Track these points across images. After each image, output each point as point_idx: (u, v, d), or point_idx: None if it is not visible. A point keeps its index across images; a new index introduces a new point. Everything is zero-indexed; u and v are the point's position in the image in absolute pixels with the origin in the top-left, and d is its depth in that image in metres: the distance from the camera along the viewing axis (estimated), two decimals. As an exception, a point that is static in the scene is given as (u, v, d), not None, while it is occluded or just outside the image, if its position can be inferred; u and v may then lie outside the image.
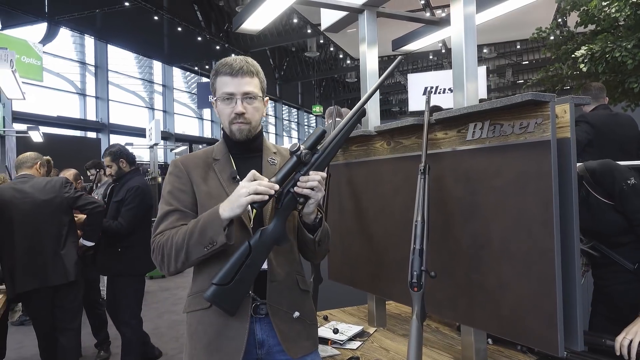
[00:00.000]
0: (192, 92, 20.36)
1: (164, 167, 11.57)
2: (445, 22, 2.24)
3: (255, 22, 2.07)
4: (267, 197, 1.24)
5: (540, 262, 1.30)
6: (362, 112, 1.42)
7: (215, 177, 1.43)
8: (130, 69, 17.46)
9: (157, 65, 18.78)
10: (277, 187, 1.26)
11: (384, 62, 17.03)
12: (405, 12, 2.32)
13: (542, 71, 8.72)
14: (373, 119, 2.09)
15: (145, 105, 18.27)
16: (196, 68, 20.72)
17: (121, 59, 16.77)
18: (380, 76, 2.02)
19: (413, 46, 2.58)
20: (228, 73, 1.38)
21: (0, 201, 3.08)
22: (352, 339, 1.90)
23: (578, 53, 6.57)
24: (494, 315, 1.45)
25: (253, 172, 1.27)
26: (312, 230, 1.40)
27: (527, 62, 22.90)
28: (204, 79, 20.60)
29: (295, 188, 1.29)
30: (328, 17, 2.29)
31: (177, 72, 20.06)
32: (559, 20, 10.03)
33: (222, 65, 1.40)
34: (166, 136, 17.08)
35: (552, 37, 8.35)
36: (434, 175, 1.59)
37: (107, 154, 3.59)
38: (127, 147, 3.76)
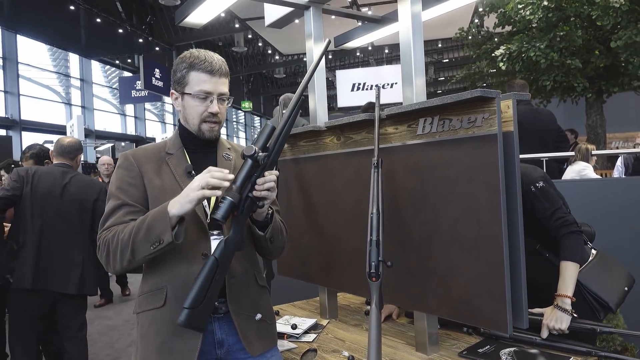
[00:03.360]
0: (114, 87, 19.34)
1: (86, 167, 10.93)
2: (387, 20, 2.31)
3: (199, 15, 2.02)
4: (219, 192, 1.20)
5: (489, 248, 1.39)
6: (302, 102, 1.44)
7: (169, 171, 1.39)
8: (43, 62, 16.28)
9: (74, 58, 17.66)
10: (231, 176, 1.22)
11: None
12: (346, 10, 2.36)
13: (464, 69, 9.23)
14: (321, 114, 2.12)
15: (62, 100, 17.14)
16: (117, 62, 19.72)
17: (33, 50, 15.60)
18: (323, 71, 2.05)
19: (354, 43, 2.64)
20: (208, 71, 1.35)
21: (36, 189, 2.76)
22: (307, 332, 1.92)
23: (497, 52, 7.01)
24: (445, 300, 1.53)
25: (209, 167, 1.24)
26: (262, 228, 1.40)
27: (447, 60, 24.00)
28: (126, 73, 19.66)
29: (254, 192, 1.27)
30: (272, 13, 2.28)
31: (96, 66, 18.98)
32: (477, 21, 10.62)
33: (198, 59, 1.36)
34: (87, 133, 16.16)
35: (470, 37, 8.86)
36: (386, 169, 1.64)
37: (28, 156, 3.29)
38: (47, 145, 3.53)
